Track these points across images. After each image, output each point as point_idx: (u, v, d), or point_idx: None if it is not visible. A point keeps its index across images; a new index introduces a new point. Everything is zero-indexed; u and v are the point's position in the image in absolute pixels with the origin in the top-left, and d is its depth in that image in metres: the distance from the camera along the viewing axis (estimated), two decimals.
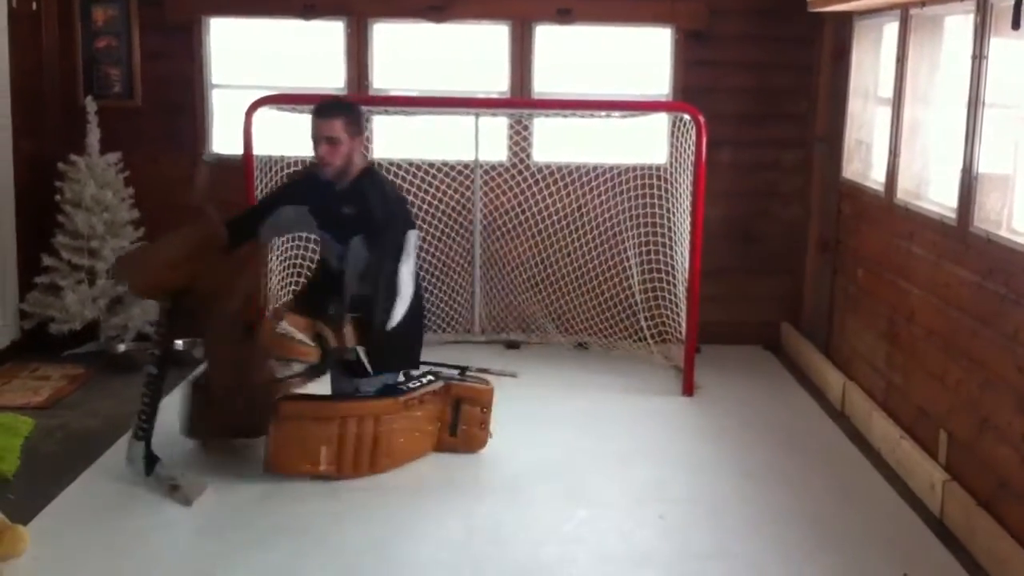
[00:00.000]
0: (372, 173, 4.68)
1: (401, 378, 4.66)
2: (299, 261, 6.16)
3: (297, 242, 6.09)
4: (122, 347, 6.07)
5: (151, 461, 4.33)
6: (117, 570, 3.66)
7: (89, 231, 5.98)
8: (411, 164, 6.34)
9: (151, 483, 4.30)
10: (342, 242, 4.55)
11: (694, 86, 6.38)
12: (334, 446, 4.37)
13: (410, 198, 6.31)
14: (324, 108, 4.57)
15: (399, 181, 6.29)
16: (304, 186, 4.72)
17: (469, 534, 3.99)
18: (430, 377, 4.71)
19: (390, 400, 4.51)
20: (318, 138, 4.49)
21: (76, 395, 5.49)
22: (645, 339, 6.34)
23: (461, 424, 4.72)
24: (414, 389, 4.59)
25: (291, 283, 6.18)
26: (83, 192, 5.98)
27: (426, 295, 6.30)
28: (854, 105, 5.82)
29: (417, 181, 6.34)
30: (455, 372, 4.87)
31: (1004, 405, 3.87)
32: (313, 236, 4.89)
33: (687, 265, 5.74)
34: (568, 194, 6.44)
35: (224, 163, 6.23)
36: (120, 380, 5.71)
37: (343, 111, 4.56)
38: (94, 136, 6.10)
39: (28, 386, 5.55)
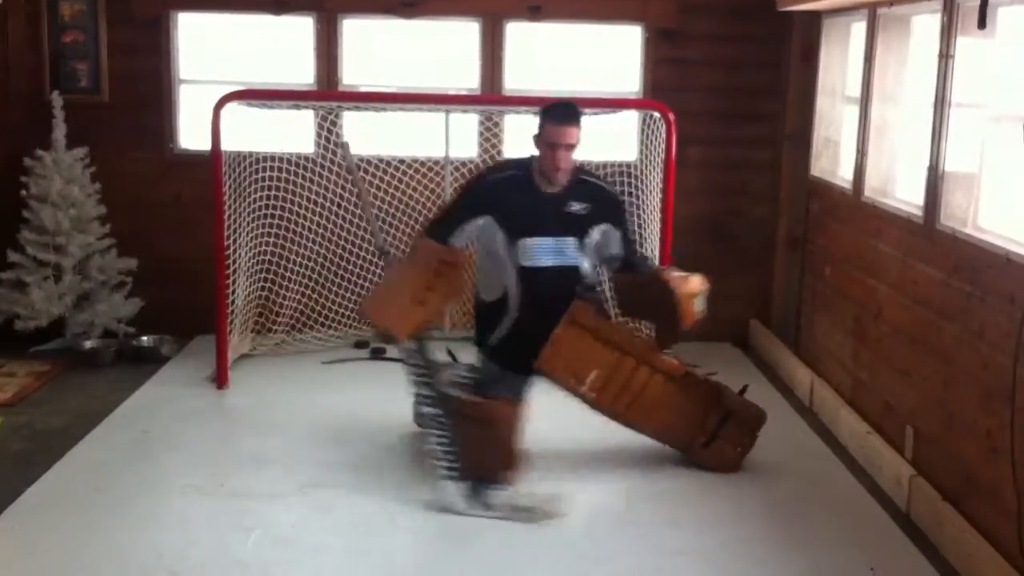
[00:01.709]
0: (584, 169, 4.72)
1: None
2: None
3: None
4: (89, 343, 6.02)
5: (476, 494, 4.16)
6: (85, 566, 3.63)
7: (55, 227, 5.92)
8: (381, 161, 6.31)
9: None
10: (571, 236, 4.52)
11: (664, 84, 6.40)
12: (605, 374, 4.41)
13: (380, 195, 6.31)
14: (565, 114, 4.46)
15: (369, 177, 6.28)
16: (499, 194, 4.51)
17: (441, 532, 3.98)
18: (710, 372, 4.71)
19: (674, 360, 4.55)
20: (557, 144, 4.38)
21: (42, 392, 5.44)
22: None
23: (720, 438, 4.61)
24: (695, 368, 4.61)
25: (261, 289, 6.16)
26: (49, 188, 5.93)
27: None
28: (822, 103, 5.86)
29: (387, 178, 6.32)
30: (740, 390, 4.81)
31: (970, 401, 3.90)
32: (489, 247, 4.59)
33: (657, 262, 5.75)
34: None
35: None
36: (87, 377, 5.68)
37: (580, 116, 4.48)
38: (60, 131, 6.04)
39: None
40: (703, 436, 4.61)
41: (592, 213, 4.55)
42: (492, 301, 4.57)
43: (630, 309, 4.86)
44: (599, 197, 4.61)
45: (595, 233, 4.57)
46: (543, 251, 4.51)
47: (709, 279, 4.48)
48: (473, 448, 4.21)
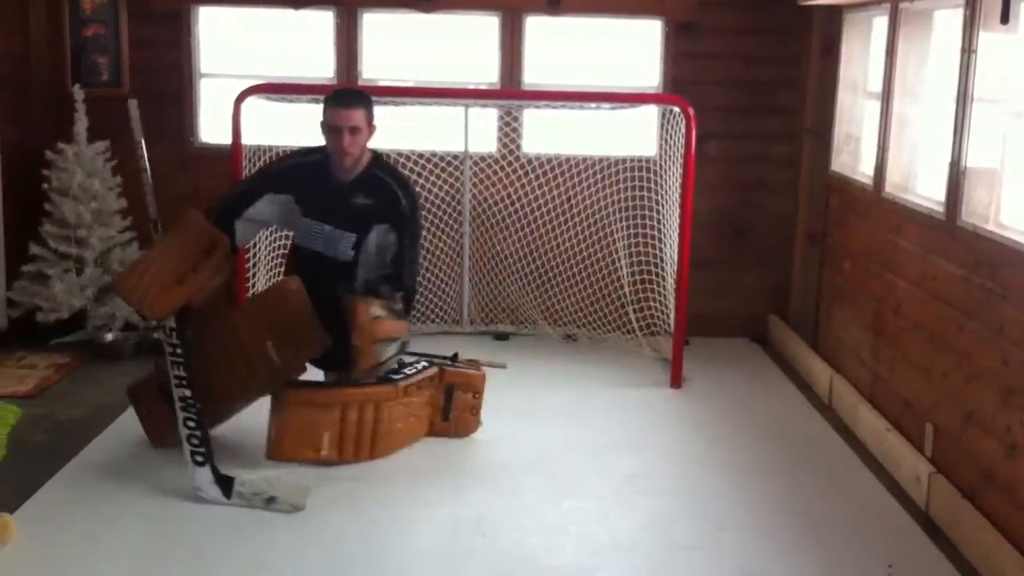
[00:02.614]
0: (381, 161, 4.66)
1: (394, 365, 4.66)
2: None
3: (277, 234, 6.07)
4: (109, 336, 6.05)
5: (226, 483, 4.10)
6: (103, 559, 3.66)
7: (76, 220, 5.96)
8: (400, 155, 6.32)
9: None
10: (354, 232, 4.49)
11: (683, 78, 6.38)
12: (336, 432, 4.38)
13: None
14: (345, 97, 4.50)
15: None
16: (297, 176, 4.58)
17: (455, 524, 3.99)
18: (423, 363, 4.71)
19: (389, 387, 4.51)
20: (338, 128, 4.40)
21: (63, 384, 5.47)
22: (634, 331, 6.35)
23: (453, 410, 4.74)
24: (410, 376, 4.59)
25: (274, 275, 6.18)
26: (71, 181, 5.96)
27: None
28: (843, 98, 5.83)
29: (406, 172, 6.33)
30: (446, 359, 4.87)
31: (989, 398, 3.88)
32: (292, 230, 4.72)
33: (676, 257, 5.76)
34: (557, 186, 6.44)
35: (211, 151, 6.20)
36: (107, 369, 5.71)
37: (364, 100, 4.50)
38: (82, 124, 6.07)
39: (14, 375, 5.53)
40: (437, 414, 4.71)
41: (374, 209, 4.48)
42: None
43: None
44: (384, 192, 4.51)
45: (375, 233, 4.49)
46: (316, 236, 4.53)
47: (405, 331, 4.51)
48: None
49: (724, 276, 6.59)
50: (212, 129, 6.44)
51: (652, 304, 6.36)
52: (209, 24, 6.46)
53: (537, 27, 6.42)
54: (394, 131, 6.38)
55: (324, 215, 4.52)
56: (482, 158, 6.41)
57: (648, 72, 6.49)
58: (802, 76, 6.36)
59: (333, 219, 4.51)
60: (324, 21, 6.39)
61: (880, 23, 5.33)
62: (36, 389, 5.34)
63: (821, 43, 6.12)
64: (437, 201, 6.41)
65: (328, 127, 4.45)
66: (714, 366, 6.05)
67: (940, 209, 4.38)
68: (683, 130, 5.64)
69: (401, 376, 4.57)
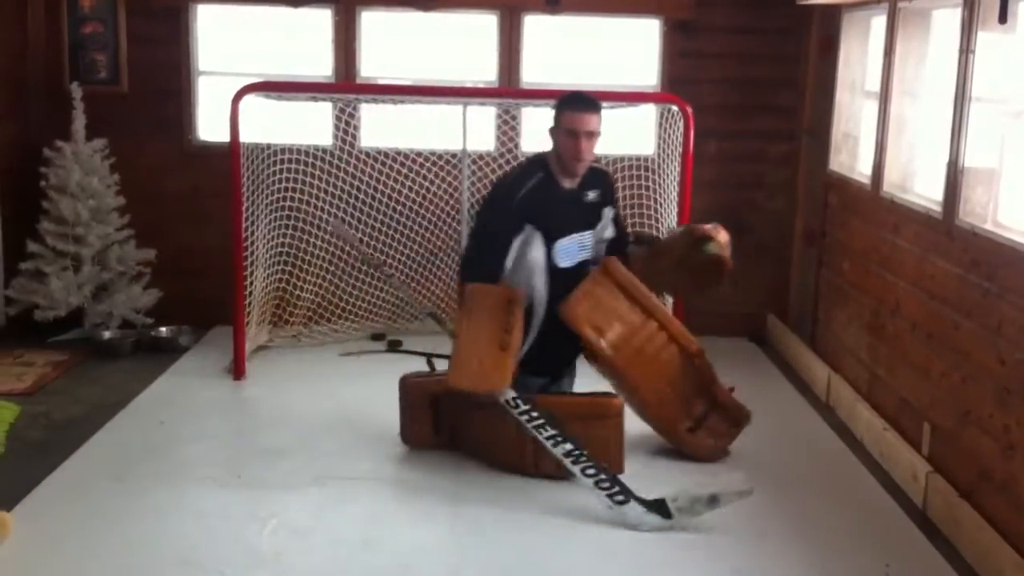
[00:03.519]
0: None
1: None
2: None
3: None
4: (107, 334, 6.05)
5: (659, 506, 3.96)
6: (101, 555, 3.66)
7: (74, 217, 5.95)
8: (399, 153, 6.33)
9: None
10: (588, 230, 4.52)
11: (681, 77, 6.39)
12: (627, 332, 4.40)
13: (397, 187, 6.32)
14: (584, 102, 4.38)
15: (386, 170, 6.29)
16: (531, 203, 4.35)
17: (454, 523, 4.01)
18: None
19: (692, 338, 4.58)
20: (578, 132, 4.28)
21: (60, 382, 5.47)
22: None
23: (704, 427, 4.64)
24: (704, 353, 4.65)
25: (278, 282, 6.19)
26: (68, 178, 5.96)
27: (400, 297, 6.35)
28: (841, 97, 5.84)
29: (404, 170, 6.33)
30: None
31: (986, 397, 3.89)
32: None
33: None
34: None
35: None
36: (105, 367, 5.71)
37: (600, 105, 4.40)
38: (80, 122, 6.07)
39: (12, 372, 5.53)
40: (689, 421, 4.60)
41: (602, 198, 4.56)
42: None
43: (656, 281, 4.65)
44: (604, 180, 4.63)
45: (603, 218, 4.57)
46: (573, 250, 4.47)
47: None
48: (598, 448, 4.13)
49: None
50: (210, 127, 6.44)
51: None
52: (208, 22, 6.46)
53: (535, 25, 6.43)
54: (392, 129, 6.42)
55: (571, 227, 4.44)
56: (480, 156, 6.40)
57: (646, 71, 6.50)
58: (800, 75, 6.37)
59: (576, 226, 4.46)
60: (323, 19, 6.38)
61: (878, 22, 5.34)
62: (34, 386, 5.34)
63: (819, 42, 6.13)
64: (435, 199, 6.41)
65: (566, 131, 4.32)
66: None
67: (938, 209, 4.38)
68: (681, 129, 5.64)
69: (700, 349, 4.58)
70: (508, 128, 6.39)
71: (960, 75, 4.17)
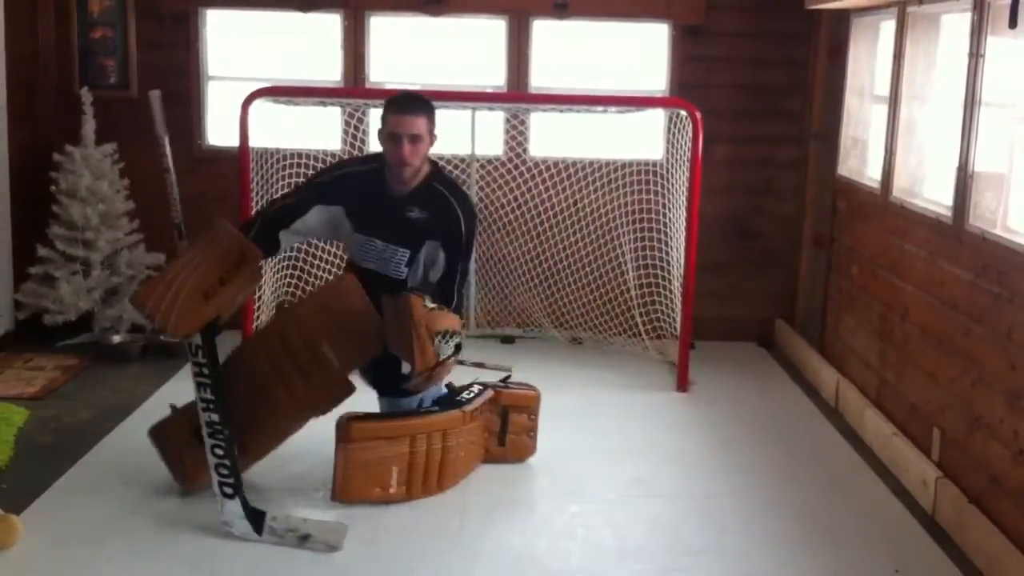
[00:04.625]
0: (442, 175, 4.40)
1: (444, 389, 4.41)
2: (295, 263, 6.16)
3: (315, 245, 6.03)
4: (116, 338, 6.06)
5: (257, 517, 3.85)
6: (110, 560, 3.66)
7: (84, 222, 5.97)
8: None
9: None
10: (407, 248, 4.26)
11: (690, 82, 6.38)
12: (405, 466, 4.11)
13: None
14: (407, 103, 4.21)
15: None
16: (350, 187, 4.29)
17: (460, 527, 4.00)
18: (478, 386, 4.49)
19: (456, 413, 4.25)
20: (399, 135, 4.12)
21: (70, 386, 5.48)
22: (640, 335, 6.34)
23: (510, 433, 4.53)
24: (470, 399, 4.35)
25: (287, 286, 6.19)
26: (78, 183, 5.97)
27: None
28: (850, 102, 5.83)
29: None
30: (496, 378, 4.69)
31: (996, 402, 3.88)
32: (342, 242, 4.41)
33: (682, 261, 5.76)
34: (564, 189, 6.44)
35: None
36: (114, 371, 5.72)
37: (426, 106, 4.22)
38: (89, 126, 6.09)
39: (22, 377, 5.54)
40: (494, 439, 4.51)
41: (428, 224, 4.21)
42: None
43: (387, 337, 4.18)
44: (442, 207, 4.22)
45: (428, 248, 4.23)
46: (369, 253, 4.30)
47: (462, 327, 4.12)
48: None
49: (730, 280, 6.59)
50: (220, 131, 6.45)
51: (658, 308, 6.36)
52: (217, 26, 6.47)
53: (544, 30, 6.43)
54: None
55: (376, 230, 4.27)
56: (489, 161, 6.41)
57: (655, 75, 6.49)
58: (809, 80, 6.36)
59: (386, 234, 4.26)
60: (331, 24, 6.40)
61: (887, 27, 5.33)
62: (43, 391, 5.35)
63: (828, 47, 6.12)
64: None
65: (387, 134, 4.18)
66: (720, 370, 6.04)
67: (947, 213, 4.37)
68: (690, 133, 5.64)
69: (464, 400, 4.35)
70: (516, 133, 6.40)
71: (969, 80, 4.17)
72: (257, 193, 5.75)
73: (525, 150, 6.43)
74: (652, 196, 6.33)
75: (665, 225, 6.26)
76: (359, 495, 4.07)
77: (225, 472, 3.85)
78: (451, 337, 4.02)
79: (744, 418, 5.30)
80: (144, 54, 6.39)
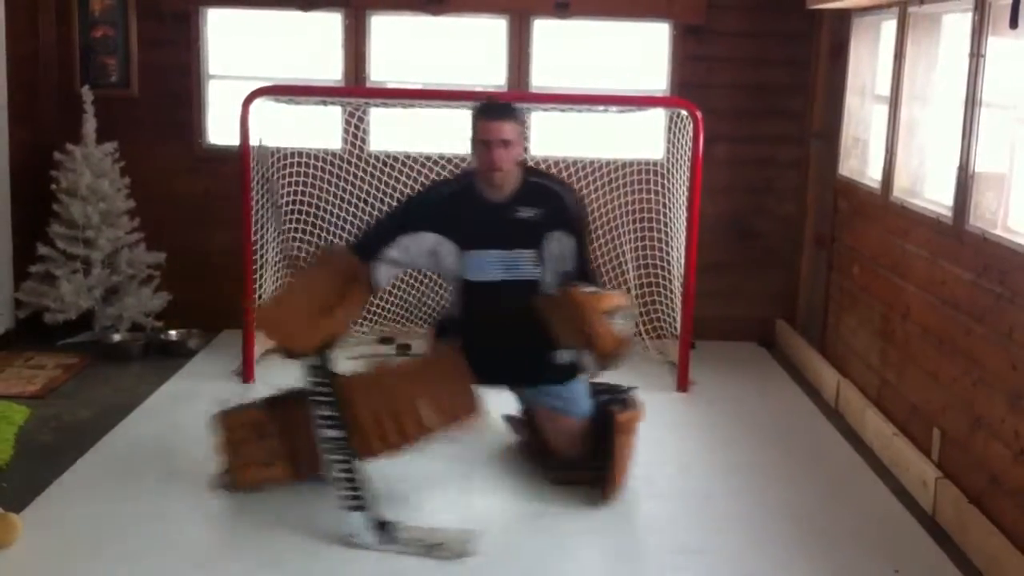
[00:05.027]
0: (534, 170, 4.44)
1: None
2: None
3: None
4: (117, 337, 6.06)
5: (384, 528, 3.84)
6: (111, 559, 3.66)
7: (85, 220, 5.97)
8: (408, 157, 6.33)
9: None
10: (528, 248, 4.24)
11: (691, 81, 6.38)
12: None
13: (407, 191, 6.33)
14: (495, 110, 4.23)
15: (395, 173, 6.30)
16: (444, 209, 4.24)
17: (466, 527, 4.00)
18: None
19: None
20: (489, 141, 4.12)
21: (70, 384, 5.48)
22: (640, 334, 6.34)
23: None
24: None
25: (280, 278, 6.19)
26: (79, 181, 5.97)
27: (429, 287, 6.35)
28: (851, 102, 5.83)
29: (414, 174, 6.34)
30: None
31: (997, 403, 3.88)
32: (444, 270, 4.34)
33: (683, 261, 5.75)
34: None
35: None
36: (115, 370, 5.72)
37: (514, 112, 4.24)
38: (90, 125, 6.09)
39: (22, 375, 5.54)
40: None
41: (545, 219, 4.22)
42: (450, 320, 4.39)
43: (556, 336, 4.13)
44: (548, 199, 4.26)
45: (552, 242, 4.25)
46: (491, 265, 4.23)
47: (628, 298, 4.11)
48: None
49: (731, 280, 6.58)
50: (220, 131, 6.45)
51: (659, 307, 6.36)
52: (218, 25, 6.47)
53: (545, 30, 6.43)
54: (401, 133, 6.43)
55: (490, 241, 4.22)
56: None
57: (656, 75, 6.49)
58: (810, 80, 6.36)
59: (502, 241, 4.22)
60: (332, 23, 6.39)
61: (888, 27, 5.33)
62: (44, 389, 5.35)
63: (829, 47, 6.12)
64: None
65: (478, 141, 4.18)
66: (721, 370, 6.04)
67: (948, 213, 4.37)
68: (691, 133, 5.64)
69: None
70: None
71: (970, 80, 4.17)
72: (258, 192, 5.75)
73: (526, 149, 6.42)
74: (653, 196, 6.33)
75: (666, 225, 6.26)
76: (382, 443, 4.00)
77: (349, 486, 3.86)
78: (623, 313, 4.02)
79: (744, 418, 5.30)
80: (145, 53, 6.39)
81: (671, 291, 6.23)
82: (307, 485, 4.26)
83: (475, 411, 4.09)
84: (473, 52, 6.53)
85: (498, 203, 4.23)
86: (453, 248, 4.22)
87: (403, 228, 4.22)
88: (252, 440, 4.14)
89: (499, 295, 4.22)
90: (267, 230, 5.92)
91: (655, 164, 6.35)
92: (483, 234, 4.22)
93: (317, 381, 3.91)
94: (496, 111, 4.23)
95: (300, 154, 6.17)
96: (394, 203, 5.98)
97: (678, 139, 6.03)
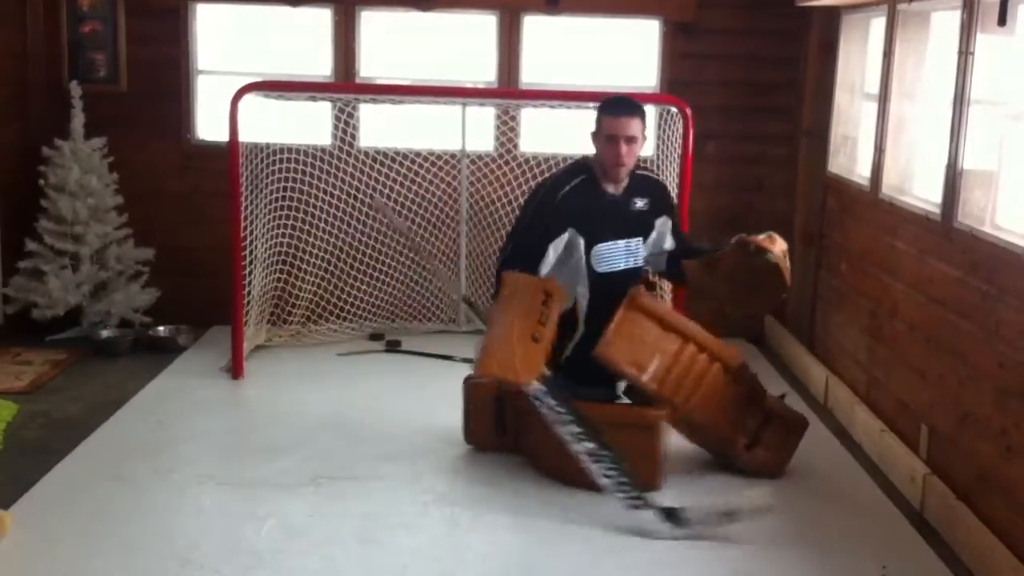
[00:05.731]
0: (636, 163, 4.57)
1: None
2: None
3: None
4: (105, 333, 6.05)
5: (673, 515, 3.91)
6: (99, 554, 3.65)
7: (73, 216, 5.95)
8: (397, 153, 6.33)
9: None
10: (640, 236, 4.47)
11: (681, 78, 6.39)
12: (666, 363, 4.21)
13: (395, 187, 6.32)
14: (621, 106, 4.35)
15: (385, 170, 6.30)
16: (572, 206, 4.32)
17: (452, 523, 4.01)
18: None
19: (734, 348, 4.46)
20: (616, 138, 4.25)
21: (58, 380, 5.47)
22: None
23: (761, 442, 4.45)
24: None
25: (272, 271, 6.18)
26: (67, 177, 5.96)
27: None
28: (840, 99, 5.84)
29: (403, 171, 6.33)
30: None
31: (984, 399, 3.89)
32: (572, 266, 4.39)
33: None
34: None
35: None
36: (103, 366, 5.71)
37: (640, 109, 4.36)
38: (79, 121, 6.07)
39: (10, 371, 5.53)
40: (745, 438, 4.45)
41: (652, 208, 4.49)
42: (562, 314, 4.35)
43: (711, 292, 4.52)
44: (656, 189, 4.56)
45: (656, 229, 4.53)
46: (616, 255, 4.42)
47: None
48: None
49: None
50: (209, 126, 6.44)
51: None
52: (207, 21, 6.45)
53: (535, 26, 6.43)
54: (391, 129, 6.42)
55: (615, 232, 4.40)
56: (479, 157, 6.40)
57: (646, 72, 6.50)
58: (800, 77, 6.37)
59: (624, 233, 4.42)
60: (322, 19, 6.38)
61: (878, 24, 5.34)
62: (32, 385, 5.34)
63: (819, 44, 6.13)
64: (434, 200, 6.41)
65: (604, 137, 4.30)
66: None
67: (936, 211, 4.38)
68: (680, 130, 5.64)
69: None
70: (507, 128, 6.39)
71: (959, 77, 4.17)
72: (248, 187, 5.74)
73: (516, 146, 6.43)
74: None
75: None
76: (617, 360, 4.17)
77: (626, 489, 3.96)
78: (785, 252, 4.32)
79: None
80: (134, 48, 6.37)
81: (661, 287, 6.21)
82: (300, 480, 4.27)
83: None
84: (463, 48, 6.52)
85: (617, 196, 4.41)
86: (581, 242, 4.35)
87: (547, 238, 4.32)
88: (484, 408, 4.52)
89: (623, 283, 4.35)
90: (257, 227, 5.92)
91: (645, 161, 6.32)
92: (610, 227, 4.39)
93: (549, 407, 4.02)
94: (623, 107, 4.34)
95: (290, 150, 6.16)
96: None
97: (668, 136, 6.02)
